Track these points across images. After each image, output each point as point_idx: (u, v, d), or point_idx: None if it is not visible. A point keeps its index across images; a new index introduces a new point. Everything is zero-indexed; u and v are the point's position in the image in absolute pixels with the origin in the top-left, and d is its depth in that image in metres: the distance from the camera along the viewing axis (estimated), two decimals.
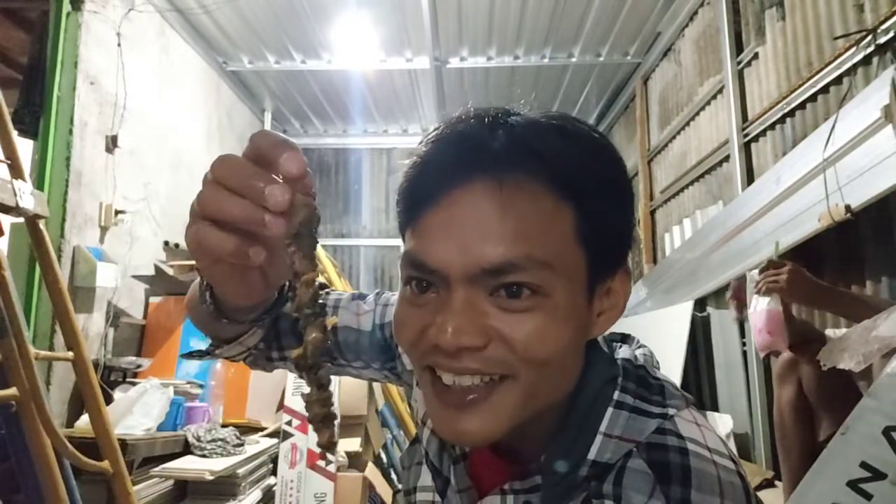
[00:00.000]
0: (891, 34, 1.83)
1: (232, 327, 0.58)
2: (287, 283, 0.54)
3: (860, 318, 1.39)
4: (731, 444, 2.28)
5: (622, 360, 0.51)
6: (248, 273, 0.45)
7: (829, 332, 1.65)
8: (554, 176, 0.42)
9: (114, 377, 2.59)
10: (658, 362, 0.55)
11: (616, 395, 0.47)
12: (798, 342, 1.60)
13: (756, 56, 2.67)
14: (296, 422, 2.67)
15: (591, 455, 0.45)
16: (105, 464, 1.69)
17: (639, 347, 0.54)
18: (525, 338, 0.42)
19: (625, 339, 0.56)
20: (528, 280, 0.42)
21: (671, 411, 0.47)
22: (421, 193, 0.45)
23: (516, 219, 0.41)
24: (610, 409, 0.47)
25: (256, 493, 2.40)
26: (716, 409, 2.80)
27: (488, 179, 0.42)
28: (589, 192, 0.44)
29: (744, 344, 2.57)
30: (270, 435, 2.74)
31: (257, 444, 2.59)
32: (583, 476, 0.45)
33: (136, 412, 2.21)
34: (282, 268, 0.44)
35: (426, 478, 0.58)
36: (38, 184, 2.40)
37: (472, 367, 0.43)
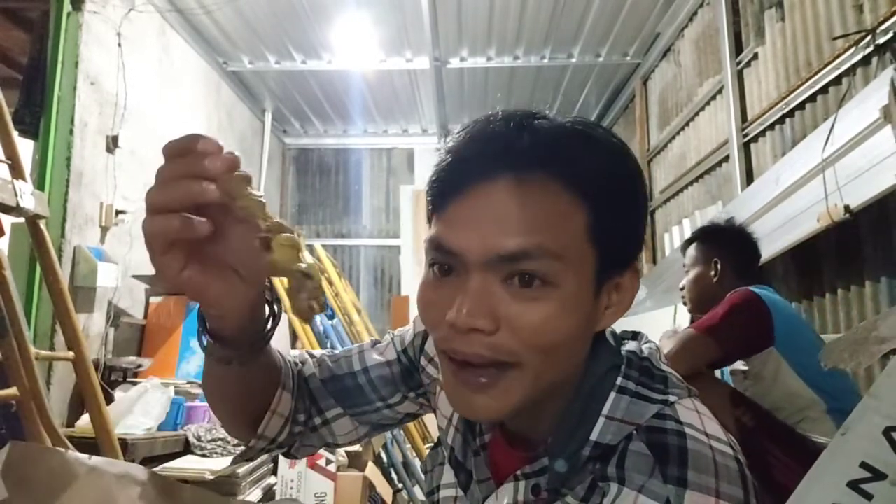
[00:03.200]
0: (890, 34, 1.84)
1: (250, 377, 0.59)
2: (272, 307, 0.55)
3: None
4: None
5: (627, 352, 0.53)
6: (219, 275, 0.45)
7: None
8: (571, 178, 0.46)
9: (114, 377, 2.60)
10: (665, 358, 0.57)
11: (619, 381, 0.50)
12: None
13: (755, 56, 2.67)
14: None
15: (594, 436, 0.48)
16: None
17: (646, 343, 0.56)
18: (532, 325, 0.45)
19: (635, 336, 0.58)
20: (539, 269, 0.45)
21: (672, 398, 0.49)
22: (448, 184, 0.48)
23: (532, 213, 0.45)
24: (612, 394, 0.50)
25: (257, 493, 2.40)
26: None
27: (510, 176, 0.45)
28: (603, 196, 0.47)
29: None
30: None
31: None
32: (586, 456, 0.48)
33: (137, 412, 2.21)
34: (249, 260, 0.45)
35: (448, 476, 0.61)
36: (39, 184, 2.40)
37: (482, 353, 0.46)
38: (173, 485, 0.44)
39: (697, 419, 0.48)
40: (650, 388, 0.50)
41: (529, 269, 0.45)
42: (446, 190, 0.48)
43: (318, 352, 0.75)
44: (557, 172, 0.46)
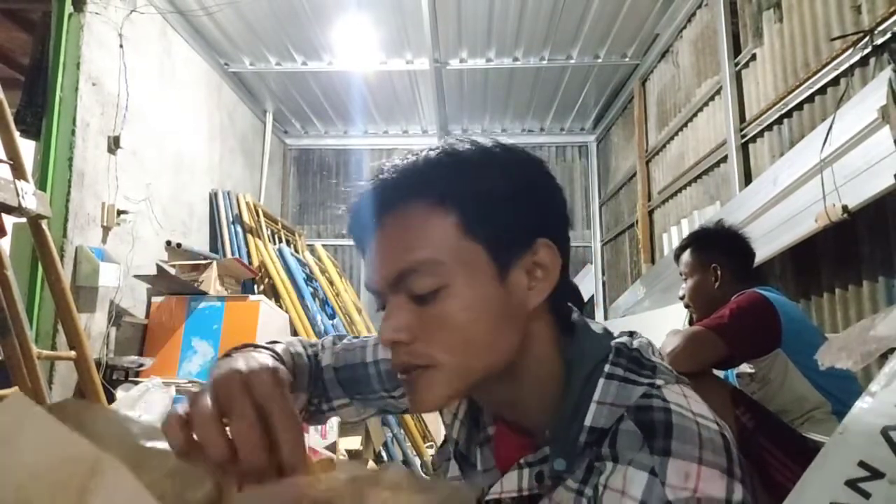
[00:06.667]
0: (888, 35, 1.85)
1: None
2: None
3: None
4: None
5: (617, 343, 0.56)
6: None
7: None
8: (431, 194, 0.52)
9: (116, 376, 2.61)
10: (660, 353, 0.59)
11: (607, 368, 0.54)
12: None
13: (754, 57, 2.68)
14: None
15: (588, 422, 0.51)
16: None
17: (638, 338, 0.59)
18: (440, 329, 0.51)
19: (632, 335, 0.60)
20: (427, 278, 0.51)
21: (659, 382, 0.52)
22: (355, 240, 0.59)
23: (406, 237, 0.52)
24: (602, 380, 0.53)
25: None
26: None
27: (382, 218, 0.54)
28: (467, 198, 0.52)
29: None
30: None
31: None
32: (584, 442, 0.51)
33: (138, 411, 2.22)
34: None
35: (454, 470, 0.64)
36: (41, 184, 2.42)
37: (403, 360, 0.52)
38: None
39: (684, 400, 0.50)
40: (638, 373, 0.53)
41: (419, 281, 0.51)
42: (356, 245, 0.59)
43: (339, 339, 0.79)
44: (418, 196, 0.52)
